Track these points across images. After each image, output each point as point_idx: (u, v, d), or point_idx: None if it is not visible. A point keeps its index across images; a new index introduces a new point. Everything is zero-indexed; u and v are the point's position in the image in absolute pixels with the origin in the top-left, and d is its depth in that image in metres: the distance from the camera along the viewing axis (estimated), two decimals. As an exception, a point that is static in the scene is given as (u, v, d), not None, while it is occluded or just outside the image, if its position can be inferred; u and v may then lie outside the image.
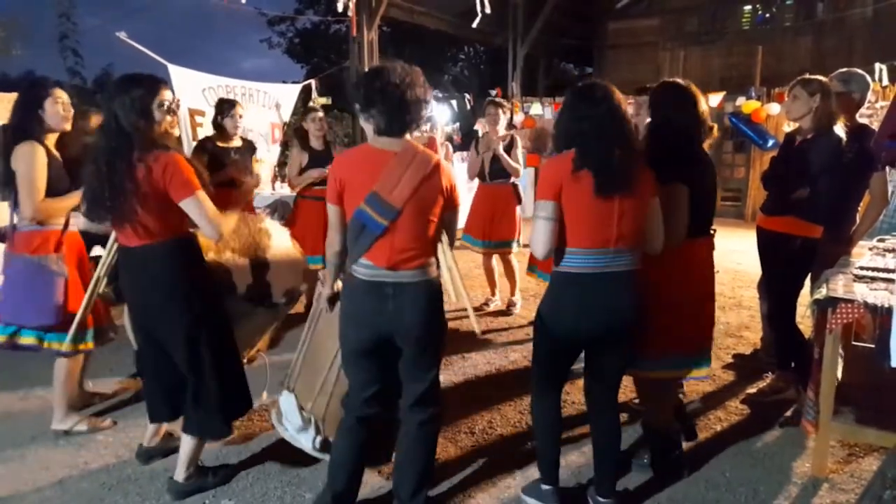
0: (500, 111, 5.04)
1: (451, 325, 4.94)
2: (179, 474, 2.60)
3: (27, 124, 2.86)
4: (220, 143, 4.35)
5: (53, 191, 2.87)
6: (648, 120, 2.78)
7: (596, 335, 2.29)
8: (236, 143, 4.43)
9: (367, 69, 2.21)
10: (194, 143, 4.89)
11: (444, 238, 2.25)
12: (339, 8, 7.79)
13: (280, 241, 3.13)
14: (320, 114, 4.81)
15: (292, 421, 2.66)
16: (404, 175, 2.10)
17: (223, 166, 4.23)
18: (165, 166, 2.28)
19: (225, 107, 4.39)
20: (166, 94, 2.39)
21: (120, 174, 2.25)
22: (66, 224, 2.99)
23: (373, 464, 2.73)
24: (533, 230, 2.26)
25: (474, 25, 8.30)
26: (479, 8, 7.76)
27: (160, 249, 2.38)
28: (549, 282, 2.39)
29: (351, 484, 2.37)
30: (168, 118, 2.40)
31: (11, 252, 2.95)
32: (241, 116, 4.40)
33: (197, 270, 2.50)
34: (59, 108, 2.89)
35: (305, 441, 2.64)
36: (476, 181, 5.27)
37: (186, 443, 2.57)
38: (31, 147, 2.81)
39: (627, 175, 2.17)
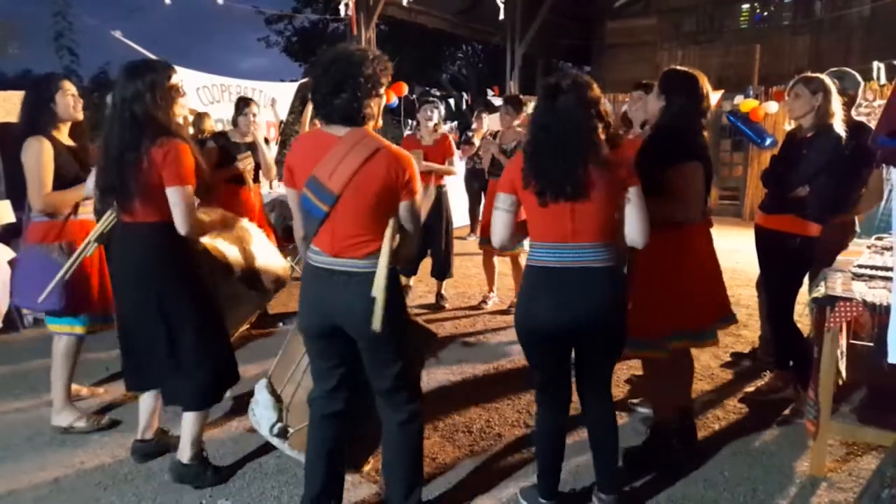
0: (517, 110, 5.00)
1: (447, 324, 4.95)
2: (184, 455, 2.62)
3: (38, 120, 2.97)
4: (231, 140, 4.53)
5: (60, 179, 2.98)
6: (645, 116, 2.81)
7: (574, 330, 2.24)
8: (248, 139, 4.58)
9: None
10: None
11: (391, 224, 2.10)
12: (342, 12, 7.89)
13: (260, 239, 3.32)
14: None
15: (261, 401, 2.68)
16: (344, 159, 2.03)
17: (233, 162, 4.40)
18: (167, 152, 2.36)
19: (240, 105, 4.60)
20: (175, 78, 2.47)
21: (129, 166, 2.34)
22: (75, 212, 3.09)
23: (350, 466, 2.66)
24: (492, 220, 2.31)
25: (501, 18, 8.40)
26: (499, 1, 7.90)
27: (150, 227, 2.45)
28: (522, 277, 2.37)
29: (327, 485, 2.30)
30: (180, 101, 2.49)
31: (25, 243, 3.14)
32: (255, 115, 4.58)
33: (184, 253, 2.53)
34: (69, 99, 3.02)
35: (265, 424, 2.64)
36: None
37: (185, 420, 2.61)
38: (38, 142, 2.93)
39: (572, 186, 2.12)
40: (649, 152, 2.64)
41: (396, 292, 2.18)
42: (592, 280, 2.21)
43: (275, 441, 2.65)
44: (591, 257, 2.20)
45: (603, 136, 2.17)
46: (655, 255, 2.58)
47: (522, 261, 5.14)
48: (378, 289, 2.04)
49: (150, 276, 2.47)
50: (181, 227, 2.40)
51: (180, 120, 2.55)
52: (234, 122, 4.61)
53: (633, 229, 2.25)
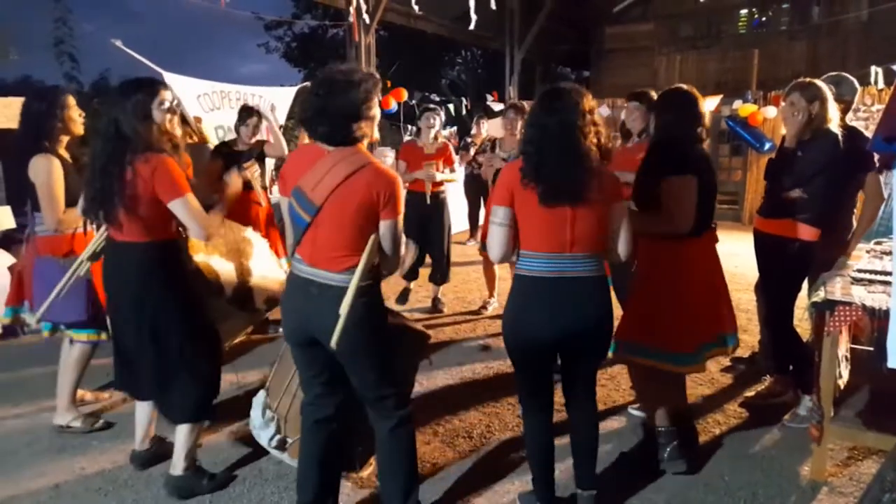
0: (521, 116, 5.03)
1: (447, 329, 4.95)
2: (177, 468, 2.62)
3: (44, 134, 2.94)
4: (235, 148, 4.62)
5: (70, 195, 2.93)
6: (642, 125, 2.85)
7: (563, 340, 2.26)
8: (244, 147, 4.66)
9: None
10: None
11: (371, 241, 2.08)
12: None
13: (261, 251, 3.28)
14: None
15: (254, 417, 2.73)
16: (329, 172, 2.06)
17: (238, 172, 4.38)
18: (154, 169, 2.37)
19: (243, 114, 4.68)
20: (166, 95, 2.49)
21: (112, 177, 2.36)
22: (85, 226, 3.02)
23: (350, 469, 2.69)
24: (489, 235, 2.28)
25: (471, 27, 8.31)
26: (471, 11, 7.76)
27: (141, 248, 2.46)
28: (511, 287, 2.35)
29: (320, 492, 2.29)
30: (168, 117, 2.49)
31: (39, 254, 3.06)
32: (256, 126, 4.66)
33: (174, 274, 2.53)
34: (75, 112, 3.04)
35: (265, 437, 2.67)
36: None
37: (178, 433, 2.61)
38: (47, 160, 2.90)
39: (574, 186, 2.14)
40: (646, 167, 2.71)
41: (376, 310, 2.19)
42: (585, 290, 2.24)
43: (275, 453, 2.67)
44: (585, 268, 2.23)
45: (595, 144, 2.19)
46: (654, 265, 2.68)
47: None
48: (344, 306, 2.01)
49: (142, 297, 2.46)
50: (196, 234, 2.44)
51: (178, 130, 2.56)
52: (237, 130, 4.69)
53: (621, 242, 2.31)
